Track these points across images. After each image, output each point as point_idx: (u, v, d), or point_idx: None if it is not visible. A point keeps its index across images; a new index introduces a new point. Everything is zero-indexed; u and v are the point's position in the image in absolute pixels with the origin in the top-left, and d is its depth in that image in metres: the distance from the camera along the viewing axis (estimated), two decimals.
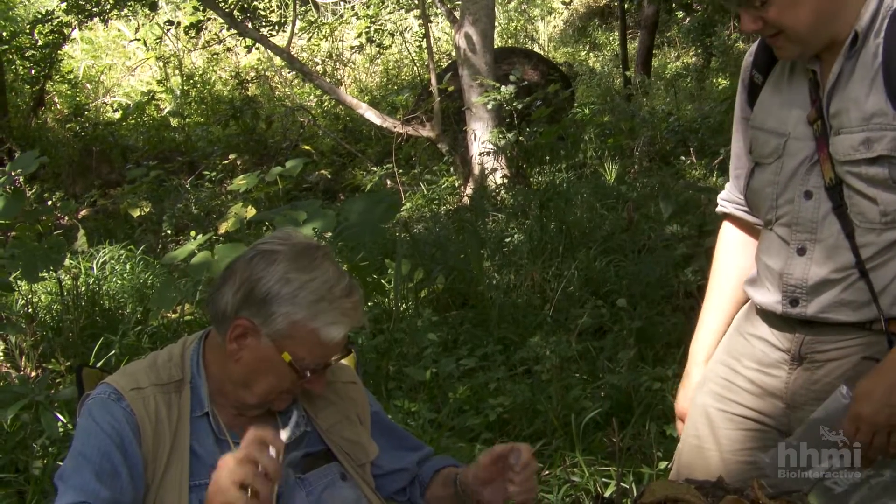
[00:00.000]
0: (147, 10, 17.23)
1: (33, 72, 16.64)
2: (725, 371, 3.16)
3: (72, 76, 17.83)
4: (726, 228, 3.32)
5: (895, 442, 2.68)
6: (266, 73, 18.44)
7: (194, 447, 2.65)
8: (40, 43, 16.30)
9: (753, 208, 3.09)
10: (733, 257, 3.27)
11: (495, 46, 13.04)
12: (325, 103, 16.16)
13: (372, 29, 17.81)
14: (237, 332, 2.62)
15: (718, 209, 3.33)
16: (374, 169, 12.76)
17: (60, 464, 5.02)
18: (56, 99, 17.55)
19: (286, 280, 2.59)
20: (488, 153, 11.36)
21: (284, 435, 2.43)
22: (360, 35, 17.95)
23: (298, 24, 17.90)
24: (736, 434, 3.11)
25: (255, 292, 2.60)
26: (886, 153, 2.67)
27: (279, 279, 2.59)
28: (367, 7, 18.55)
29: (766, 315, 3.03)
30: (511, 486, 2.73)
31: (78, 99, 17.33)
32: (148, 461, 2.59)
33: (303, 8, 19.36)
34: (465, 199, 11.27)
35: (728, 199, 3.27)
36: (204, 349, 2.78)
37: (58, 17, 15.57)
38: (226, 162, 13.70)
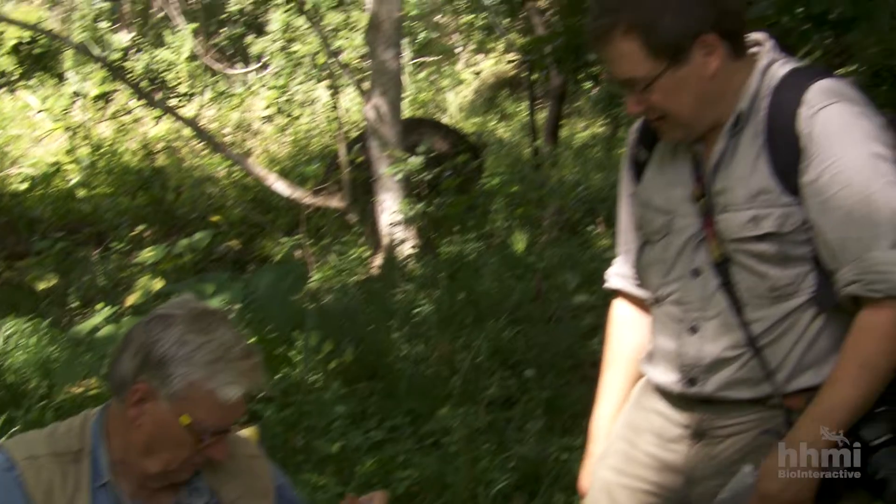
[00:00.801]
0: (54, 81, 17.14)
1: None
2: (625, 445, 3.18)
3: None
4: (618, 305, 3.36)
5: None
6: (175, 144, 18.36)
7: None
8: None
9: (644, 284, 3.13)
10: (627, 334, 3.31)
11: (405, 117, 13.11)
12: (235, 174, 16.10)
13: (282, 99, 17.84)
14: (136, 397, 2.64)
15: (607, 285, 3.37)
16: (284, 240, 12.70)
17: None
18: None
19: (183, 342, 2.61)
20: (398, 224, 11.39)
21: None
22: (269, 105, 17.97)
23: (208, 94, 17.90)
24: None
25: (152, 355, 2.62)
26: (774, 230, 2.73)
27: (176, 341, 2.62)
28: (277, 77, 18.59)
29: (664, 393, 3.06)
30: None
31: None
32: None
33: (212, 78, 19.35)
34: (375, 270, 11.27)
35: (619, 273, 3.32)
36: (106, 419, 2.78)
37: None
38: (134, 233, 13.55)
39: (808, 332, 2.80)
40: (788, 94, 2.77)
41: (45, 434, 2.78)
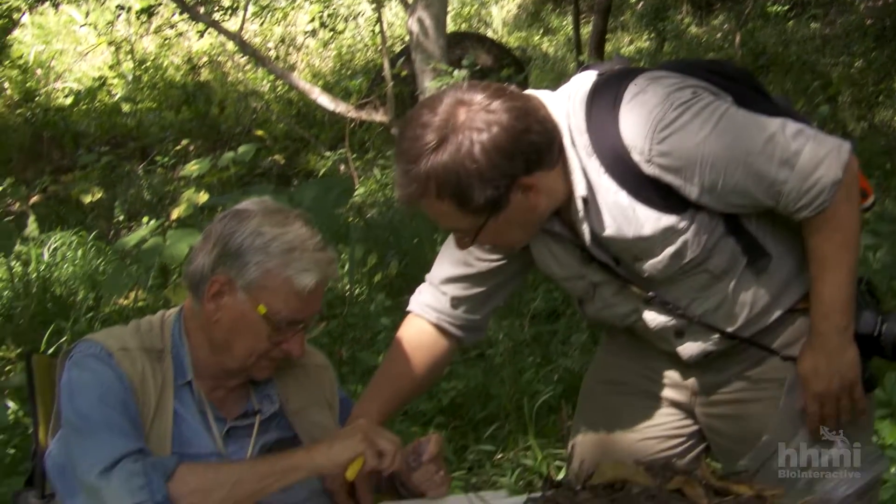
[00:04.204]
0: None
1: None
2: (625, 361, 3.23)
3: (22, 61, 17.61)
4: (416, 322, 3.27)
5: (856, 397, 2.79)
6: (219, 59, 18.32)
7: (178, 409, 2.73)
8: None
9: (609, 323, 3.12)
10: (415, 355, 3.20)
11: (448, 31, 13.01)
12: (279, 88, 16.08)
13: (325, 13, 17.72)
14: (213, 290, 2.70)
15: (409, 308, 3.31)
16: (328, 154, 12.70)
17: (10, 451, 4.99)
18: (6, 84, 17.34)
19: (259, 233, 2.68)
20: None
21: None
22: (312, 20, 17.84)
23: (251, 8, 17.79)
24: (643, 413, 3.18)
25: (229, 246, 2.69)
26: (697, 253, 2.76)
27: (252, 232, 2.68)
28: None
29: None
30: (414, 475, 2.83)
31: (28, 84, 17.10)
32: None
33: None
34: None
35: (430, 305, 3.27)
36: (183, 320, 2.84)
37: (7, 2, 15.40)
38: (178, 147, 13.59)
39: (760, 281, 2.84)
40: (611, 149, 2.71)
41: (131, 329, 2.83)
